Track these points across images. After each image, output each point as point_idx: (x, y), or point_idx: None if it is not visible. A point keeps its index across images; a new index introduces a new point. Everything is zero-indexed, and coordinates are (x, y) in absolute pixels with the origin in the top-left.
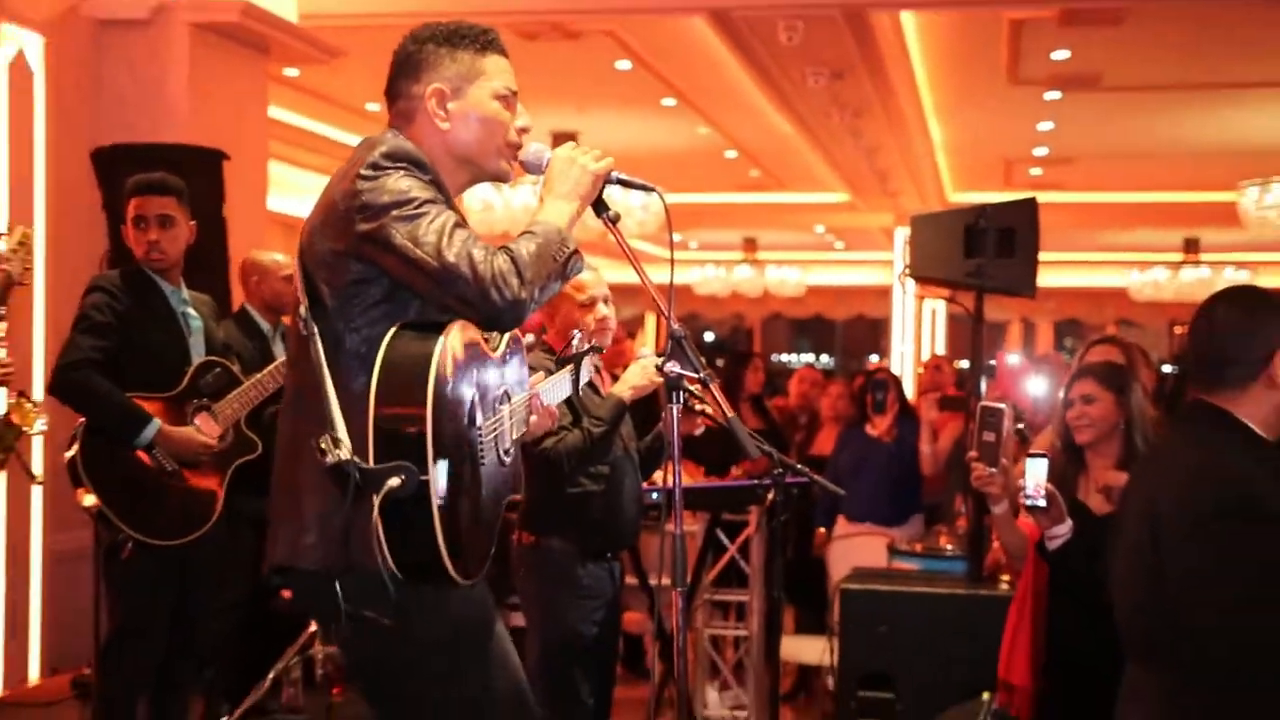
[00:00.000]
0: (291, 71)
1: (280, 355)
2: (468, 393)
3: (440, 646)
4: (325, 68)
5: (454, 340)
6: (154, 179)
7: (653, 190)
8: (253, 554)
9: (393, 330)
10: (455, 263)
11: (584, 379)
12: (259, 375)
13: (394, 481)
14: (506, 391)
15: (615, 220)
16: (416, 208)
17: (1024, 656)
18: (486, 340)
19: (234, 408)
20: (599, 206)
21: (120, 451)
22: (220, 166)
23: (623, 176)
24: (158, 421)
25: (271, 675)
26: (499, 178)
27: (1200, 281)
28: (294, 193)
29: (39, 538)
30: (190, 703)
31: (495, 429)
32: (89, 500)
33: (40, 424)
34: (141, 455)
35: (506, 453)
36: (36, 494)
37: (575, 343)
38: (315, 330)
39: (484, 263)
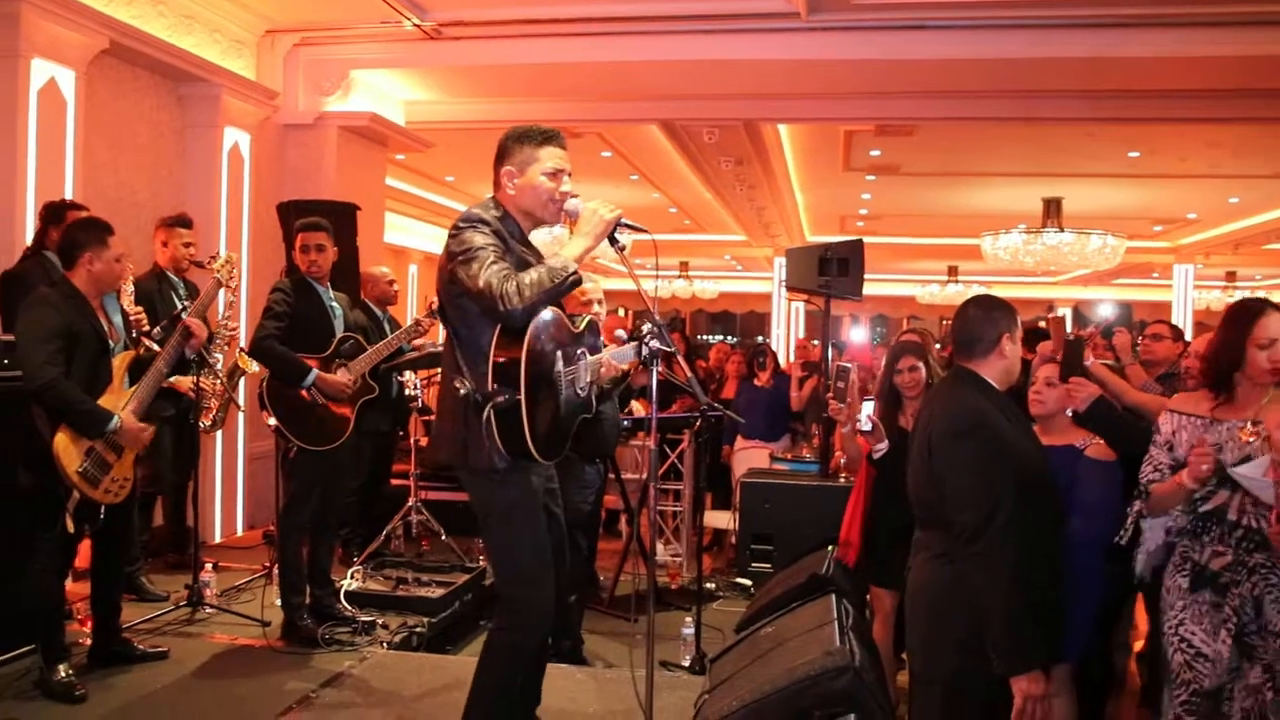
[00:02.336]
0: (400, 156)
1: (388, 334)
2: (550, 348)
3: (516, 502)
4: (421, 154)
5: (543, 319)
6: (312, 221)
7: (644, 231)
8: (372, 457)
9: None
10: (483, 287)
11: (645, 352)
12: (377, 345)
13: (500, 399)
14: (583, 351)
15: (623, 250)
16: (473, 253)
17: (857, 524)
18: (572, 320)
19: (361, 365)
20: (613, 240)
21: (289, 390)
22: (354, 215)
23: (628, 222)
24: (316, 370)
25: (384, 532)
26: (551, 222)
27: (958, 293)
28: (401, 231)
29: (243, 444)
30: (333, 548)
31: (572, 373)
32: (271, 421)
33: (254, 365)
34: (303, 393)
35: (581, 389)
36: (241, 417)
37: (645, 329)
38: (444, 326)
39: (499, 286)
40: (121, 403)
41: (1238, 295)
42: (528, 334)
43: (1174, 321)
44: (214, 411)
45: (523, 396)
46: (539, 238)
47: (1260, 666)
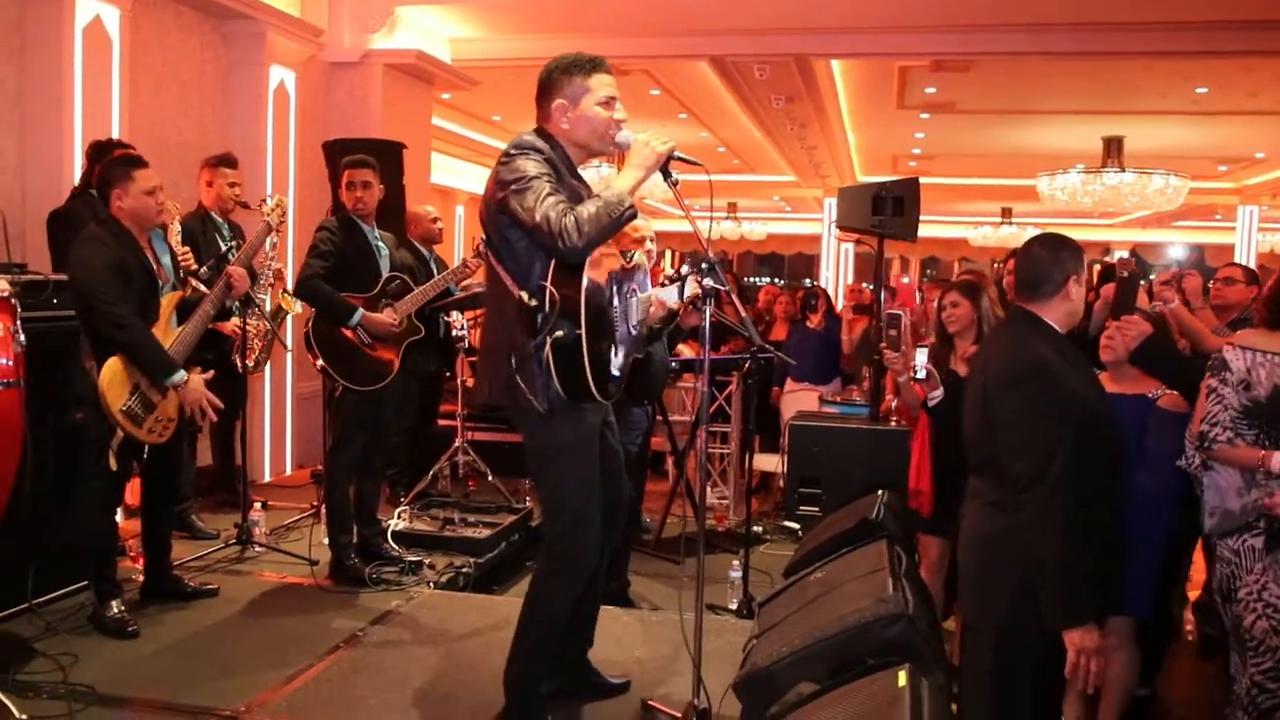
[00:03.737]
0: (446, 95)
1: (435, 274)
2: (606, 289)
3: (569, 443)
4: (467, 93)
5: (597, 261)
6: (359, 158)
7: (700, 165)
8: (419, 397)
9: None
10: (540, 221)
11: (687, 290)
12: (424, 285)
13: (560, 333)
14: (635, 288)
15: (675, 184)
16: (527, 182)
17: (926, 472)
18: (624, 256)
19: (407, 305)
20: (665, 174)
21: (335, 331)
22: (401, 154)
23: (682, 155)
24: (362, 310)
25: (431, 472)
26: (604, 154)
27: (1011, 235)
28: (447, 172)
29: (290, 384)
30: (380, 488)
31: (625, 310)
32: (318, 362)
33: (298, 307)
34: (348, 333)
35: (634, 326)
36: (289, 358)
37: (685, 268)
38: (490, 258)
39: (557, 221)
40: (168, 343)
41: None
42: (585, 269)
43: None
44: (257, 352)
45: (584, 331)
46: (589, 176)
47: None
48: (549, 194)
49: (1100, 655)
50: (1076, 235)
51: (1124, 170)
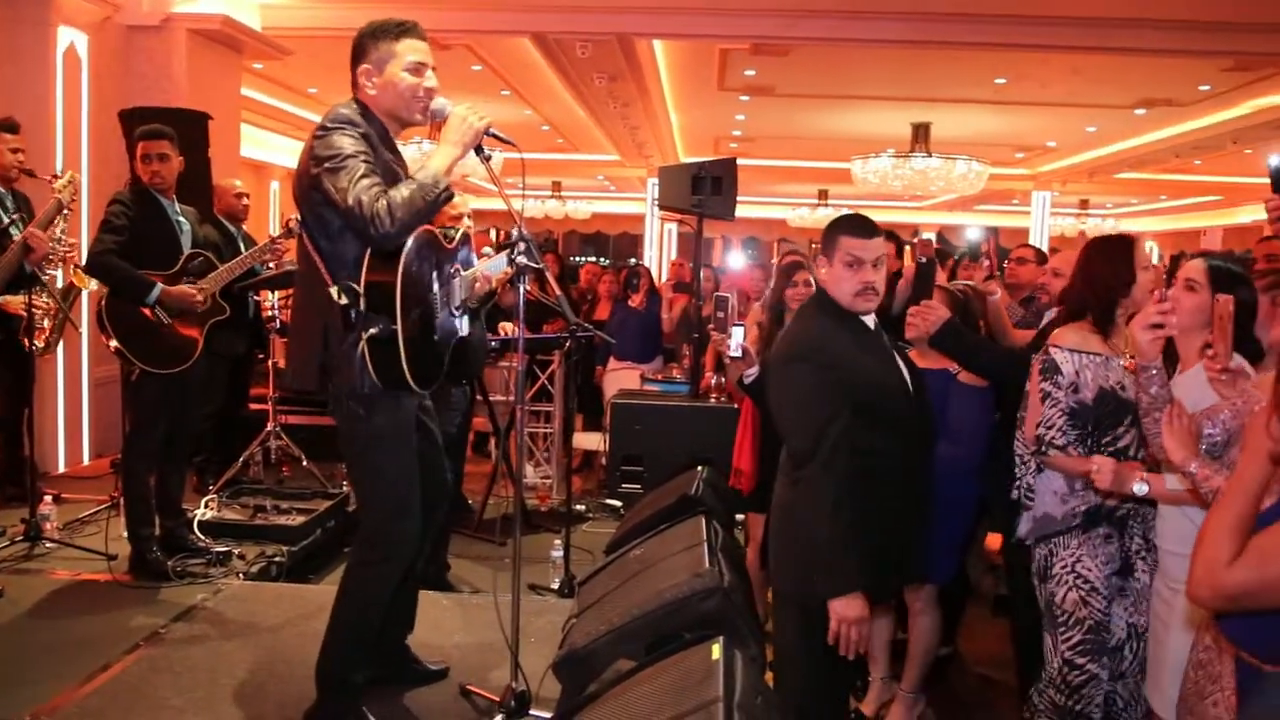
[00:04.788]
0: (257, 65)
1: (242, 252)
2: (426, 269)
3: (386, 431)
4: (279, 62)
5: (412, 244)
6: (154, 128)
7: (513, 145)
8: (226, 379)
9: None
10: (352, 204)
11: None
12: (229, 263)
13: (374, 330)
14: (458, 268)
15: (488, 159)
16: (341, 160)
17: (748, 451)
18: (445, 237)
19: (211, 284)
20: (479, 150)
21: (131, 309)
22: (206, 125)
23: (496, 132)
24: (160, 285)
25: (242, 459)
26: (416, 124)
27: (827, 216)
28: (261, 146)
29: (86, 368)
30: (185, 477)
31: (447, 294)
32: (111, 343)
33: (93, 284)
34: (146, 311)
35: (457, 308)
36: (84, 340)
37: (513, 236)
38: (303, 236)
39: (370, 205)
40: None
41: (1090, 222)
42: (402, 257)
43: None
44: (47, 333)
45: (399, 326)
46: (408, 154)
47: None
48: (363, 175)
49: (862, 624)
50: (887, 217)
51: (931, 155)
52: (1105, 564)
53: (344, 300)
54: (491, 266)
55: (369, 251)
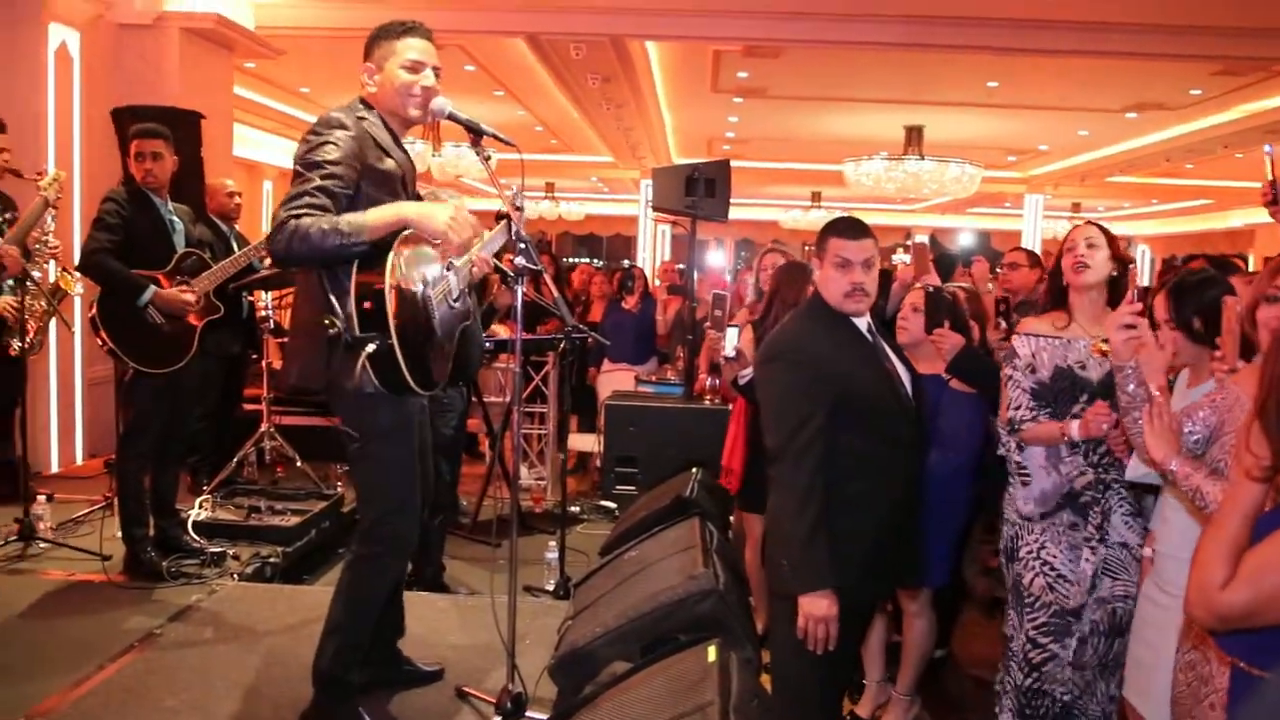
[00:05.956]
0: (250, 64)
1: (235, 251)
2: (415, 283)
3: (389, 428)
4: (272, 61)
5: (401, 254)
6: (148, 127)
7: (513, 145)
8: (220, 379)
9: None
10: (282, 219)
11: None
12: (223, 262)
13: (370, 347)
14: (449, 262)
15: (487, 159)
16: (311, 169)
17: (738, 451)
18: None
19: (205, 283)
20: (478, 150)
21: (124, 309)
22: (199, 124)
23: (495, 133)
24: (154, 286)
25: (236, 459)
26: (415, 120)
27: (820, 219)
28: (254, 145)
29: (80, 368)
30: (179, 477)
31: (444, 290)
32: (106, 343)
33: (79, 288)
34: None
35: (456, 300)
36: (77, 340)
37: (503, 209)
38: None
39: (287, 225)
40: None
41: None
42: (387, 276)
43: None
44: (31, 335)
45: (394, 339)
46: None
47: (1109, 579)
48: (309, 191)
49: (830, 622)
50: (880, 220)
51: (924, 158)
52: (1070, 549)
53: (333, 330)
54: (486, 246)
55: (356, 262)
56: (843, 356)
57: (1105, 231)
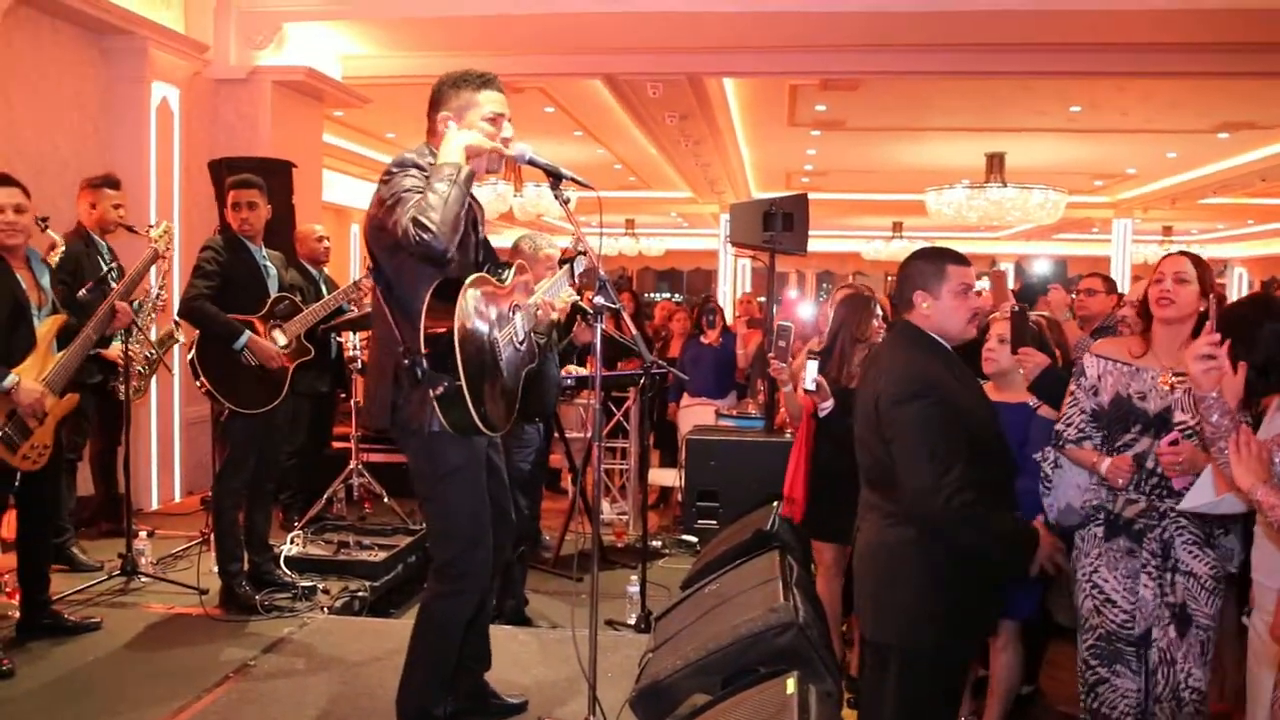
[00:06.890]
0: (338, 112)
1: (325, 294)
2: (482, 325)
3: (457, 466)
4: (359, 110)
5: (468, 296)
6: (244, 177)
7: (589, 186)
8: (310, 419)
9: (432, 287)
10: (403, 231)
11: (578, 269)
12: (314, 306)
13: (438, 390)
14: (515, 305)
15: (566, 202)
16: (398, 198)
17: (800, 480)
18: (498, 278)
19: (296, 326)
20: (556, 193)
21: (221, 353)
22: (290, 173)
23: (573, 175)
24: (249, 333)
25: (325, 496)
26: (492, 170)
27: (902, 249)
28: (341, 190)
29: (179, 409)
30: (272, 514)
31: (510, 334)
32: (204, 385)
33: (180, 336)
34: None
35: (521, 342)
36: (176, 382)
37: (574, 246)
38: (375, 282)
39: (411, 223)
40: (47, 368)
41: (1174, 249)
42: (456, 318)
43: (1112, 276)
44: (136, 381)
45: (463, 381)
46: (482, 196)
47: (1168, 609)
48: (413, 205)
49: (1055, 551)
50: (964, 248)
51: (1006, 185)
52: (1126, 577)
53: (406, 362)
54: (550, 290)
55: (429, 297)
56: (961, 390)
57: (1199, 264)
